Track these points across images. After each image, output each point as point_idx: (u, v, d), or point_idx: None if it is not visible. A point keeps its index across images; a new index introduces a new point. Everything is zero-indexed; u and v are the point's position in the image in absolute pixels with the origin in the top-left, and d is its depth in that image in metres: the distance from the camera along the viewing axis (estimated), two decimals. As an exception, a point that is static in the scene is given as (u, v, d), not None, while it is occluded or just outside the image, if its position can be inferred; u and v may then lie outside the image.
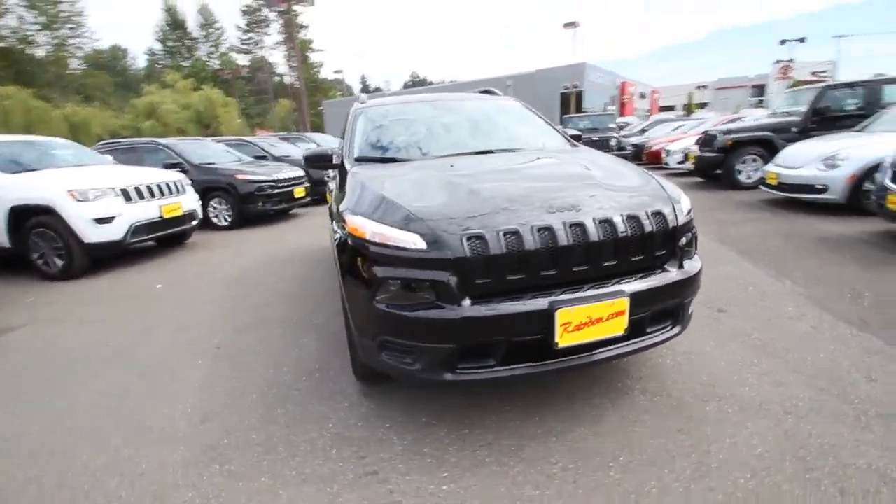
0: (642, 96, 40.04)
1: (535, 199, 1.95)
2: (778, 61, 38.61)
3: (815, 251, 4.46)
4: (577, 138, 3.49)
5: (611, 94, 33.65)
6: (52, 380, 2.91)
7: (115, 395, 2.69)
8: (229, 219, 8.04)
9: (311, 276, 4.78)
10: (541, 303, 1.77)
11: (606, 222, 1.88)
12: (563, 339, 1.78)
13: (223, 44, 54.07)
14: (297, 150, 11.68)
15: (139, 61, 60.01)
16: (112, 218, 5.30)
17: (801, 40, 33.60)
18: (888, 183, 4.43)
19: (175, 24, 51.22)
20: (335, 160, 3.09)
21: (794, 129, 8.06)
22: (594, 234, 1.84)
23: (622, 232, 1.88)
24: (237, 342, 3.29)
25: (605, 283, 1.89)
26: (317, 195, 9.38)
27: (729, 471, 1.80)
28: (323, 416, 2.34)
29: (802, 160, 6.15)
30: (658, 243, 1.97)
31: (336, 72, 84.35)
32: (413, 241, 1.82)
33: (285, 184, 8.32)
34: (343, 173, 2.85)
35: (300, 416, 2.34)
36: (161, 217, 5.84)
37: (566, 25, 26.95)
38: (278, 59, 59.33)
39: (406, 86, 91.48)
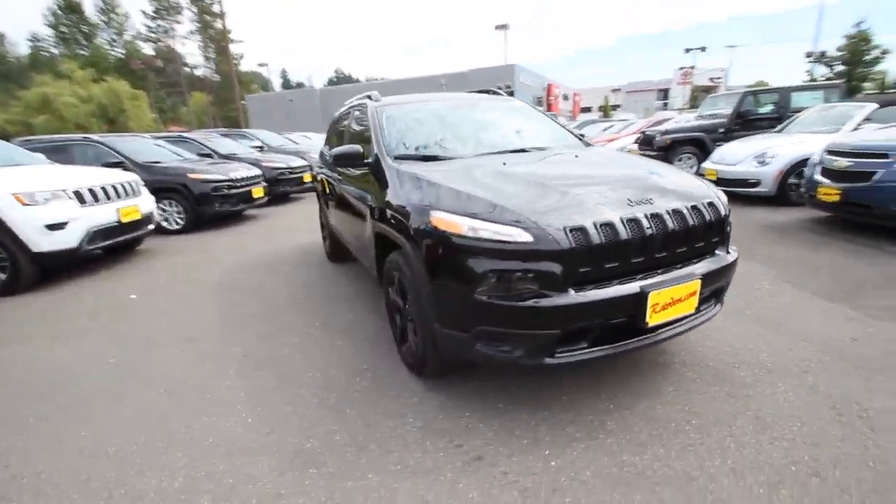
0: (565, 98, 42.37)
1: (612, 194, 2.14)
2: (681, 68, 42.69)
3: (765, 237, 5.13)
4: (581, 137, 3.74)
5: (538, 95, 35.22)
6: (62, 406, 2.62)
7: (150, 416, 2.48)
8: (181, 222, 7.47)
9: (309, 280, 4.64)
10: (634, 287, 1.96)
11: (677, 213, 2.11)
12: (652, 319, 1.99)
13: (127, 31, 49.11)
14: (242, 147, 11.08)
15: (19, 47, 52.70)
16: (65, 223, 4.74)
17: (703, 49, 37.30)
18: (818, 177, 5.21)
19: (70, 7, 45.60)
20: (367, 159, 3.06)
21: (720, 131, 9.08)
22: (670, 223, 2.06)
23: (690, 221, 2.12)
24: (265, 350, 3.15)
25: (677, 267, 2.12)
26: (272, 195, 9.01)
27: (783, 422, 2.11)
28: (397, 412, 2.36)
29: (738, 158, 6.98)
30: (714, 230, 2.24)
31: (261, 65, 79.67)
32: (518, 235, 1.92)
33: (243, 184, 7.88)
34: (379, 170, 2.86)
35: (375, 415, 2.34)
36: (119, 221, 5.32)
37: (498, 27, 27.84)
38: (191, 49, 54.95)
39: (331, 82, 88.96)
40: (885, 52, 26.24)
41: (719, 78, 45.51)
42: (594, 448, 2.01)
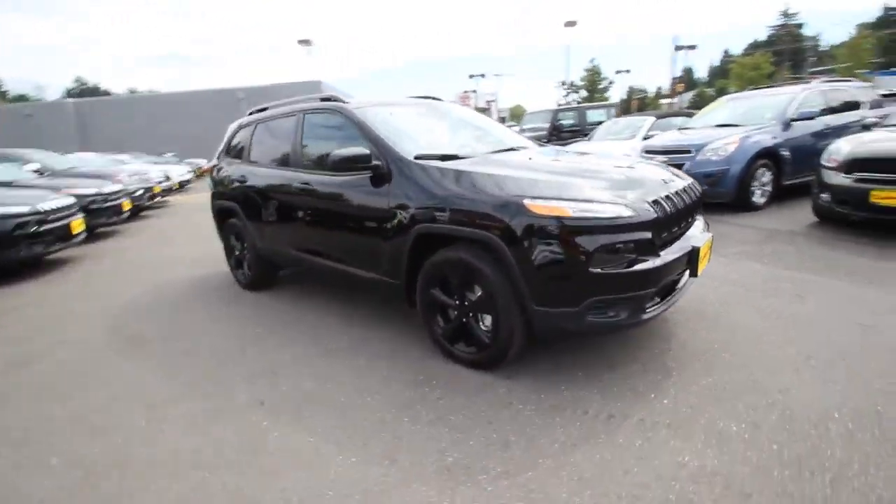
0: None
1: (648, 178, 2.60)
2: (465, 91, 48.68)
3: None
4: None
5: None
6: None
7: (206, 453, 1.90)
8: (-42, 277, 5.30)
9: (249, 313, 3.96)
10: (688, 245, 2.45)
11: (690, 189, 2.70)
12: (699, 270, 2.52)
13: None
14: (14, 172, 8.35)
15: None
16: None
17: (482, 76, 43.15)
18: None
19: None
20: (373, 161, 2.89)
21: (544, 141, 10.94)
22: (689, 196, 2.64)
23: (695, 194, 2.74)
24: (280, 390, 2.66)
25: (690, 230, 2.71)
26: (92, 229, 7.09)
27: (822, 359, 2.85)
28: (499, 403, 2.36)
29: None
30: (700, 201, 2.93)
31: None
32: (621, 210, 2.21)
33: (58, 216, 6.02)
34: (401, 171, 2.77)
35: (481, 413, 2.29)
36: None
37: (301, 42, 27.02)
38: None
39: (71, 93, 71.83)
40: (611, 83, 35.90)
41: (493, 101, 53.31)
42: (667, 410, 2.41)
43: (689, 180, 2.82)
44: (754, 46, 77.24)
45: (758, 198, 6.24)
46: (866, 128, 5.67)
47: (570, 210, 2.20)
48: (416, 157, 2.84)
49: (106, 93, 63.03)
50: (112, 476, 2.06)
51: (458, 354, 2.73)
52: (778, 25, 74.38)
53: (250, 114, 4.49)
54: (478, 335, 2.59)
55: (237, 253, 4.56)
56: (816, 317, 3.07)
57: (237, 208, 4.22)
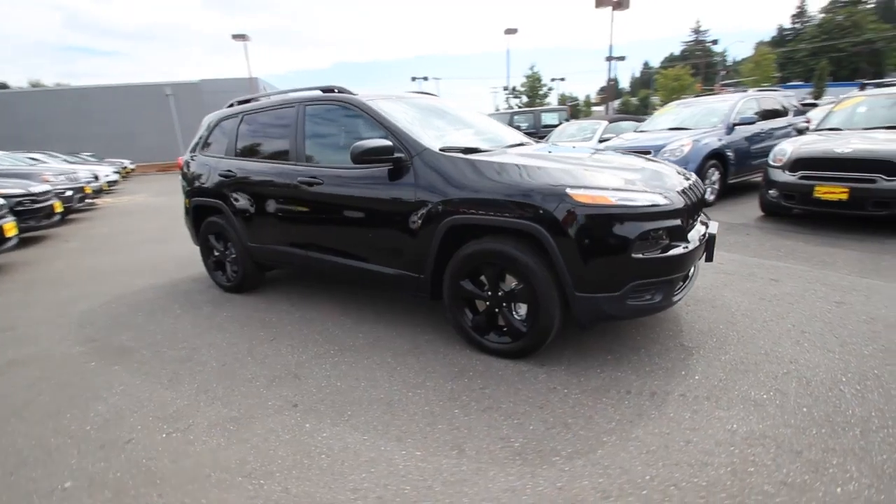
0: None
1: (668, 172, 2.77)
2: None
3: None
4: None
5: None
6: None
7: (253, 460, 1.77)
8: None
9: (248, 316, 3.71)
10: (706, 233, 2.64)
11: (699, 182, 2.91)
12: (714, 255, 2.72)
13: None
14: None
15: None
16: None
17: (425, 79, 43.20)
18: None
19: None
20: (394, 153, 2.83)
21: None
22: (700, 189, 2.85)
23: (703, 188, 2.96)
24: (314, 391, 2.54)
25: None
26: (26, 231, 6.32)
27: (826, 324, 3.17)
28: (545, 389, 2.40)
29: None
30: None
31: None
32: (658, 199, 2.34)
33: (-14, 218, 5.30)
34: (427, 164, 2.76)
35: (532, 399, 2.33)
36: None
37: (236, 37, 25.58)
38: None
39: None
40: (550, 89, 37.42)
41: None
42: (703, 359, 2.60)
43: (694, 176, 3.04)
44: (670, 59, 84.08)
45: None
46: (800, 132, 6.37)
47: (612, 198, 2.30)
48: (441, 149, 2.83)
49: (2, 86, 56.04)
50: (150, 495, 1.87)
51: (489, 345, 2.74)
52: (691, 41, 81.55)
53: (230, 105, 4.23)
54: (513, 325, 2.63)
55: (217, 254, 4.26)
56: (794, 296, 3.42)
57: (222, 206, 3.95)
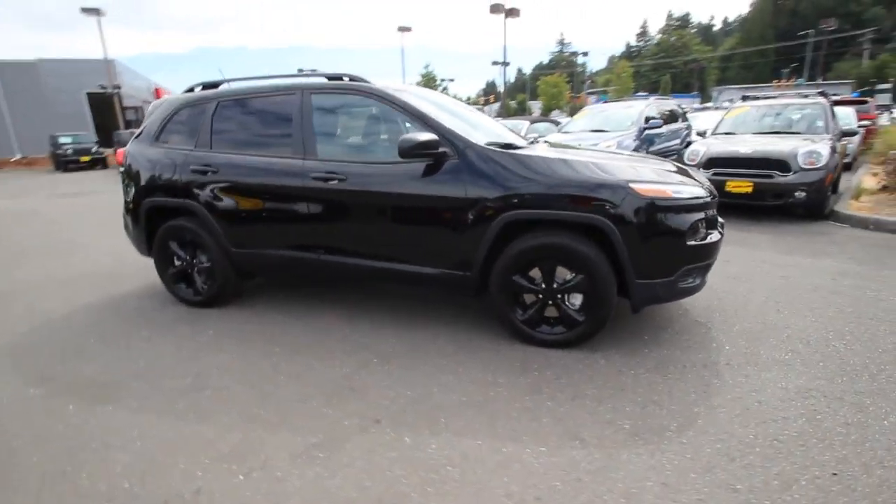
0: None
1: (689, 170, 3.09)
2: None
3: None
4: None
5: (144, 99, 29.90)
6: None
7: (376, 487, 1.62)
8: None
9: (256, 331, 3.24)
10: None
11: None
12: (721, 240, 3.11)
13: None
14: None
15: None
16: None
17: (314, 71, 41.00)
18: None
19: None
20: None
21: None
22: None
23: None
24: (373, 401, 2.34)
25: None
26: None
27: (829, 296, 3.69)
28: (616, 372, 2.54)
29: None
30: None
31: None
32: (701, 192, 2.61)
33: None
34: (479, 157, 2.72)
35: (603, 383, 2.44)
36: None
37: (85, 11, 21.43)
38: None
39: None
40: (445, 88, 38.28)
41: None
42: (722, 332, 2.97)
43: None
44: (540, 67, 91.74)
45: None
46: (701, 134, 7.48)
47: (669, 191, 2.52)
48: (487, 145, 2.80)
49: None
50: (272, 544, 1.58)
51: (542, 337, 2.80)
52: (557, 51, 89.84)
53: (191, 90, 3.64)
54: (569, 315, 2.72)
55: (179, 264, 3.66)
56: (749, 274, 4.05)
57: (193, 206, 3.38)
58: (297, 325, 3.28)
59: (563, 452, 1.96)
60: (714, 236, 2.70)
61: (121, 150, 4.19)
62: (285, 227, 3.21)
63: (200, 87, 3.65)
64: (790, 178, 5.54)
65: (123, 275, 4.58)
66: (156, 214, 3.61)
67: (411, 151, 2.63)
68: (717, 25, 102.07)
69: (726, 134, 6.95)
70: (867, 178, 7.77)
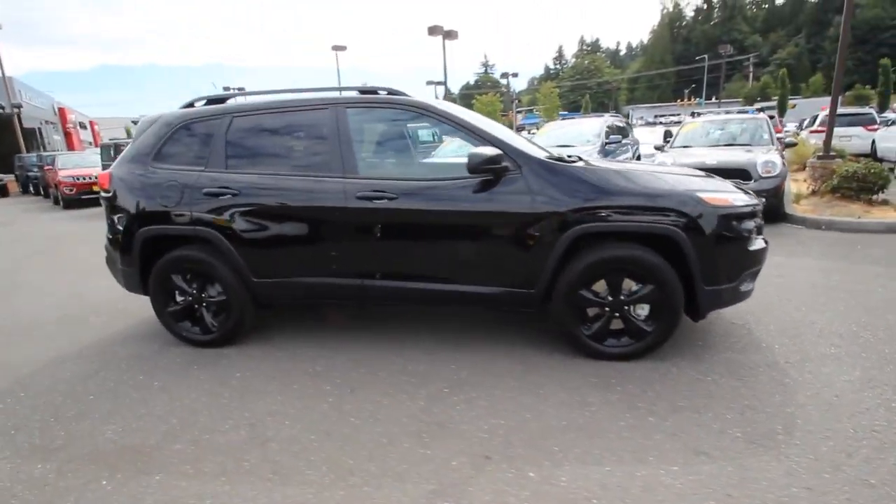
0: (83, 126, 33.98)
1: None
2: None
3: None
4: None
5: (47, 119, 26.85)
6: None
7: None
8: None
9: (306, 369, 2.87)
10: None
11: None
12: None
13: None
14: None
15: None
16: None
17: (242, 88, 39.12)
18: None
19: None
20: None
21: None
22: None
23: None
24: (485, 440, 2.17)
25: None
26: None
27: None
28: (692, 380, 2.56)
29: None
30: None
31: None
32: (752, 200, 2.74)
33: None
34: (546, 169, 2.68)
35: (688, 393, 2.45)
36: None
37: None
38: None
39: None
40: None
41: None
42: (758, 333, 3.12)
43: None
44: (466, 88, 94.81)
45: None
46: (659, 148, 8.01)
47: (733, 200, 2.61)
48: (549, 157, 2.76)
49: None
50: None
51: (609, 351, 2.77)
52: (482, 72, 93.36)
53: (187, 106, 3.26)
54: (637, 326, 2.71)
55: (182, 299, 3.22)
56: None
57: (209, 234, 2.99)
58: (339, 357, 2.99)
59: (695, 469, 1.91)
60: (761, 242, 2.84)
61: (104, 174, 3.64)
62: (321, 252, 2.93)
63: (204, 102, 3.28)
64: (752, 185, 6.04)
65: (95, 315, 3.97)
66: (152, 245, 3.16)
67: (480, 167, 2.52)
68: (623, 50, 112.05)
69: (683, 147, 7.51)
70: (794, 184, 8.75)
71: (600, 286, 2.72)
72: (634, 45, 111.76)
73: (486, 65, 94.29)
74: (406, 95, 2.98)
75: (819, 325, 3.18)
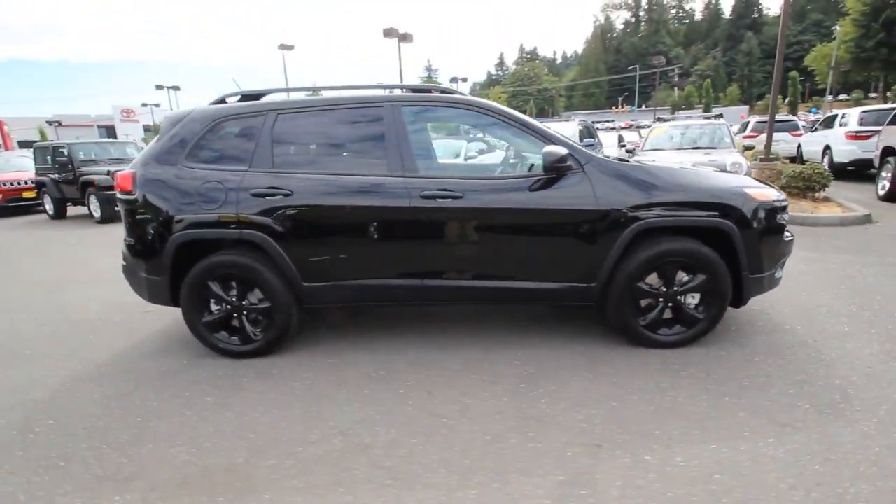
0: (-11, 126, 30.25)
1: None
2: (125, 109, 42.09)
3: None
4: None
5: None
6: None
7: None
8: None
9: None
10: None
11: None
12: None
13: None
14: None
15: None
16: None
17: (177, 88, 36.74)
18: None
19: None
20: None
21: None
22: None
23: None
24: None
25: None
26: None
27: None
28: (745, 362, 2.76)
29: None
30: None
31: None
32: (782, 195, 3.00)
33: None
34: (604, 169, 2.79)
35: (758, 376, 2.65)
36: None
37: None
38: None
39: None
40: None
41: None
42: (778, 321, 3.42)
43: None
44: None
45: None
46: (630, 152, 8.49)
47: (772, 195, 2.86)
48: (619, 158, 2.89)
49: None
50: None
51: (664, 339, 2.93)
52: (426, 77, 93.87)
53: (218, 102, 3.07)
54: (689, 315, 2.89)
55: (220, 307, 3.02)
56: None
57: (258, 237, 2.83)
58: (400, 360, 2.94)
59: (788, 439, 2.08)
60: (789, 233, 3.13)
61: (125, 174, 3.28)
62: (382, 253, 2.87)
63: (237, 98, 3.10)
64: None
65: (92, 331, 3.61)
66: (186, 251, 2.94)
67: (553, 165, 2.59)
68: (560, 59, 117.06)
69: (654, 150, 8.01)
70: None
71: (652, 278, 2.88)
72: (569, 55, 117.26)
73: (429, 69, 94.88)
74: (460, 94, 2.99)
75: (825, 308, 3.54)
